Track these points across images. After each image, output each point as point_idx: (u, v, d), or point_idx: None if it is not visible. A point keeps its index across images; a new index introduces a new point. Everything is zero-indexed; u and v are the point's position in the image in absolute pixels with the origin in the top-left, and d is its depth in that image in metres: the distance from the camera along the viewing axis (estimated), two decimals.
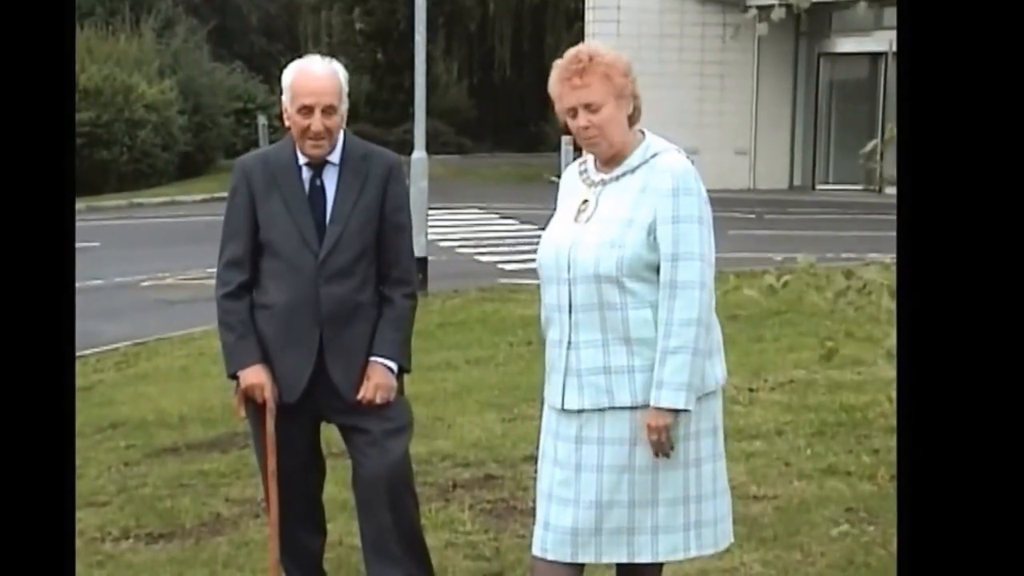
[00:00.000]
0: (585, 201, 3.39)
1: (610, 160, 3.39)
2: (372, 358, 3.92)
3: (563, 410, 3.36)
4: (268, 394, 3.89)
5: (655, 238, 3.27)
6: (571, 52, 3.38)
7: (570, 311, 3.32)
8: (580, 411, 3.33)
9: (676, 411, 3.24)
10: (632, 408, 3.29)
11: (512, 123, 35.86)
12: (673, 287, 3.24)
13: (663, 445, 3.27)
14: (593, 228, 3.33)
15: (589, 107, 3.32)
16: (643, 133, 3.42)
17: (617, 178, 3.37)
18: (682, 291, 3.23)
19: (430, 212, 12.50)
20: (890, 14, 20.60)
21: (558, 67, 3.37)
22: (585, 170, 3.47)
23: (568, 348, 3.33)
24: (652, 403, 3.25)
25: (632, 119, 3.39)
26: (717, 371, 3.38)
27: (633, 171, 3.35)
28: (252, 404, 3.94)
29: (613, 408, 3.30)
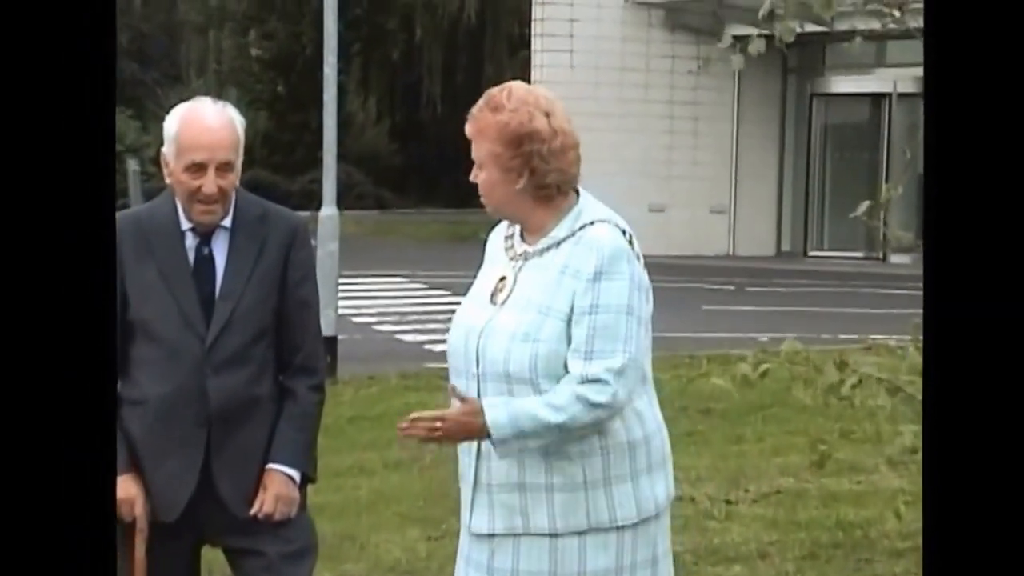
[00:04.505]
0: (503, 278, 3.34)
1: (532, 228, 3.34)
2: (270, 465, 3.91)
3: (472, 533, 3.34)
4: (139, 511, 3.87)
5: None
6: (494, 89, 3.33)
7: None
8: (491, 535, 3.31)
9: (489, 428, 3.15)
10: (552, 536, 3.25)
11: (443, 171, 35.95)
12: (584, 379, 3.15)
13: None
14: (506, 315, 3.27)
15: (475, 162, 3.33)
16: (578, 193, 3.35)
17: (540, 252, 3.30)
18: (593, 382, 3.13)
19: (342, 281, 12.52)
20: (894, 49, 21.04)
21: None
22: (511, 235, 3.41)
23: (478, 458, 3.31)
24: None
25: (549, 193, 3.29)
26: (658, 490, 3.32)
27: (558, 245, 3.28)
28: (119, 524, 3.92)
29: (529, 534, 3.27)
